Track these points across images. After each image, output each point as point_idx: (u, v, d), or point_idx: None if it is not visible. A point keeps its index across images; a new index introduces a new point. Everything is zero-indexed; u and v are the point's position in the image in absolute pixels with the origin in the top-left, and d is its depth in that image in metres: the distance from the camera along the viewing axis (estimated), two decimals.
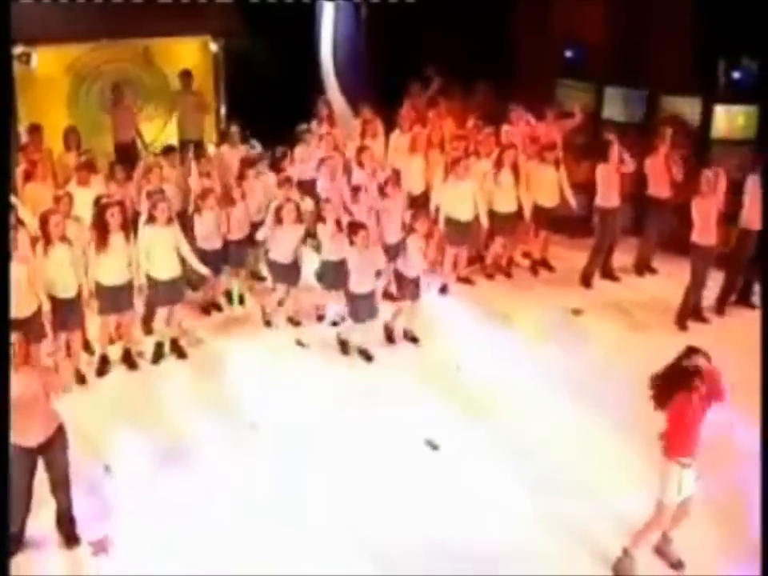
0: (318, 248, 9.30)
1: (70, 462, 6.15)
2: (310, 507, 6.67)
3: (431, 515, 6.60)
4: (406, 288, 8.88)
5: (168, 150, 10.38)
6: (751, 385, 7.04)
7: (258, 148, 11.02)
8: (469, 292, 10.27)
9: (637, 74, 11.42)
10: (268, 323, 9.22)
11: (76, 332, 8.22)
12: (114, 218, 8.05)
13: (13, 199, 8.49)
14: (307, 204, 9.58)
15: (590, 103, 11.89)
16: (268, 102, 11.59)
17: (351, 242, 8.47)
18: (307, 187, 10.36)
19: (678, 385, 5.67)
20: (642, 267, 10.79)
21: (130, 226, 8.32)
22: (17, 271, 7.18)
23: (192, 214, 9.34)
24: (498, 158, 10.18)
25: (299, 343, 9.06)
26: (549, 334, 9.23)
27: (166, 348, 8.77)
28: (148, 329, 8.96)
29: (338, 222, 8.89)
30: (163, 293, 8.55)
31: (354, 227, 8.51)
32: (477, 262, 10.66)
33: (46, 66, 11.78)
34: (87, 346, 8.59)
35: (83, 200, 8.65)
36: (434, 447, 7.41)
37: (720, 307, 9.77)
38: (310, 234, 9.43)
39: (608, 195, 10.20)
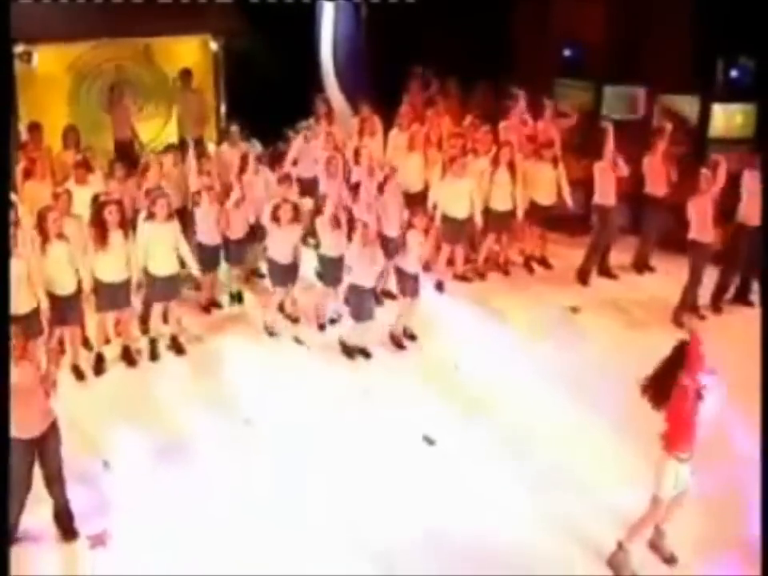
0: (317, 247, 9.32)
1: (62, 457, 6.18)
2: (307, 504, 6.69)
3: (429, 512, 6.62)
4: (406, 283, 8.88)
5: (169, 148, 10.43)
6: (748, 382, 7.09)
7: (257, 147, 11.05)
8: (466, 290, 10.30)
9: (635, 73, 11.47)
10: (271, 333, 9.14)
11: (74, 328, 8.26)
12: (111, 215, 8.09)
13: (12, 197, 8.53)
14: (306, 203, 9.61)
15: (589, 101, 11.96)
16: (268, 100, 11.61)
17: (350, 239, 8.49)
18: (307, 185, 10.40)
19: (672, 381, 5.69)
20: (641, 265, 10.81)
21: (128, 223, 8.35)
22: (15, 268, 7.21)
23: (192, 209, 9.39)
24: (495, 156, 10.21)
25: (297, 340, 9.09)
26: (546, 331, 9.24)
27: (162, 345, 8.80)
28: (145, 327, 8.98)
29: (337, 218, 8.90)
30: (160, 289, 8.59)
31: (354, 224, 8.53)
32: (475, 260, 10.68)
33: (46, 64, 11.83)
34: (87, 343, 8.62)
35: (81, 198, 8.68)
36: (431, 442, 7.45)
37: (716, 304, 9.79)
38: (310, 233, 9.47)
39: (606, 193, 10.23)
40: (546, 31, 12.32)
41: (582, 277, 10.47)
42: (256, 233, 9.58)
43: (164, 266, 8.50)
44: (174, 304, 8.79)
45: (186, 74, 12.28)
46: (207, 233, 9.30)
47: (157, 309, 8.75)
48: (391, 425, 7.66)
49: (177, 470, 7.03)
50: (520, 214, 10.37)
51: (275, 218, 8.82)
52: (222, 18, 12.47)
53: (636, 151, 10.42)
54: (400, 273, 8.92)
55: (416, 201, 10.07)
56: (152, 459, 7.18)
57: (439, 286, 10.15)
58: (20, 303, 7.30)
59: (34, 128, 10.48)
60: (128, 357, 8.63)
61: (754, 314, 9.57)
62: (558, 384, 8.16)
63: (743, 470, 6.85)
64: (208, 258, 9.38)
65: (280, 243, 8.94)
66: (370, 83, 13.10)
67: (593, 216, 10.49)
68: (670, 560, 6.15)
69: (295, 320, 9.39)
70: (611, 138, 10.06)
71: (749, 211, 9.43)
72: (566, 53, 12.11)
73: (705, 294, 9.71)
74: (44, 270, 7.78)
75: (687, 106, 11.27)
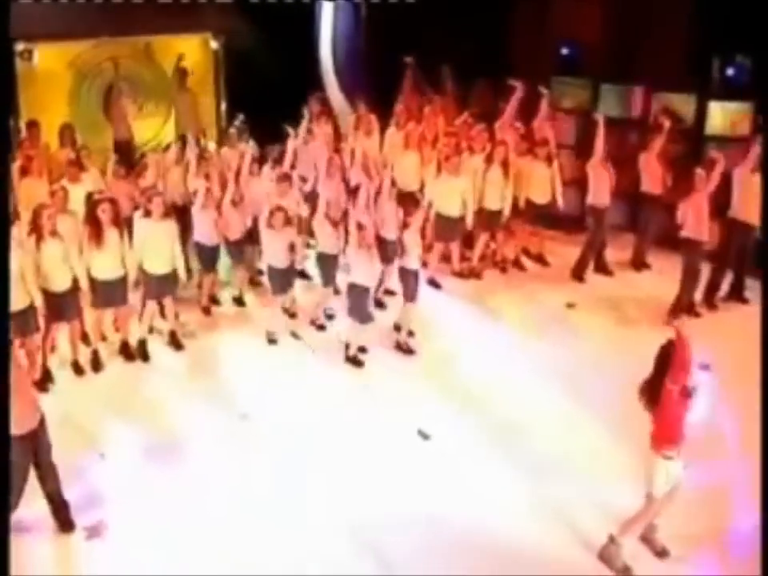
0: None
1: (52, 449, 6.20)
2: (304, 497, 6.73)
3: (425, 506, 6.64)
4: (408, 283, 8.89)
5: (169, 147, 10.48)
6: (744, 379, 7.14)
7: (254, 148, 11.09)
8: (463, 287, 10.35)
9: (632, 71, 11.53)
10: (271, 341, 9.10)
11: (72, 325, 8.31)
12: (105, 213, 8.12)
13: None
14: (302, 209, 9.66)
15: (586, 100, 12.01)
16: (268, 99, 11.64)
17: (347, 240, 8.52)
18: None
19: (660, 385, 5.72)
20: (638, 263, 10.85)
21: (122, 221, 8.38)
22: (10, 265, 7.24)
23: (190, 209, 9.42)
24: (489, 155, 10.26)
25: (294, 335, 9.15)
26: (542, 328, 9.29)
27: (160, 342, 8.87)
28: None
29: (332, 216, 8.93)
30: (155, 286, 8.64)
31: (356, 226, 8.53)
32: (470, 257, 10.72)
33: (47, 62, 11.89)
34: (86, 339, 8.67)
35: (76, 196, 8.72)
36: (426, 437, 7.50)
37: (710, 302, 9.82)
38: (309, 233, 9.51)
39: (599, 193, 10.28)
40: (544, 30, 12.36)
41: (578, 274, 10.52)
42: (254, 234, 9.56)
43: (159, 264, 8.54)
44: (170, 301, 8.82)
45: (180, 73, 12.33)
46: (205, 233, 9.33)
47: (150, 306, 8.80)
48: (388, 421, 7.69)
49: (174, 464, 7.07)
50: (507, 212, 10.41)
51: (269, 224, 8.79)
52: (222, 17, 12.54)
53: (633, 149, 10.47)
54: (402, 272, 8.93)
55: (412, 199, 10.12)
56: (150, 453, 7.21)
57: (432, 282, 10.17)
58: (14, 300, 7.28)
59: (32, 126, 10.53)
60: (126, 352, 8.68)
61: (749, 310, 9.62)
62: (552, 380, 8.20)
63: (736, 466, 6.89)
64: (206, 257, 9.43)
65: (276, 248, 8.91)
66: (369, 82, 13.13)
67: (587, 217, 10.54)
68: (661, 553, 6.17)
69: (293, 315, 9.43)
70: (602, 130, 10.10)
71: (740, 206, 9.50)
72: (564, 51, 12.17)
73: (698, 292, 9.73)
74: (39, 267, 7.80)
75: (684, 104, 11.32)
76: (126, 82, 12.17)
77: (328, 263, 9.14)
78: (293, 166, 10.23)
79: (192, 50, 12.93)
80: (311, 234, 9.60)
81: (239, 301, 9.88)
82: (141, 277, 8.61)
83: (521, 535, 6.36)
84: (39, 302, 7.73)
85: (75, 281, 8.10)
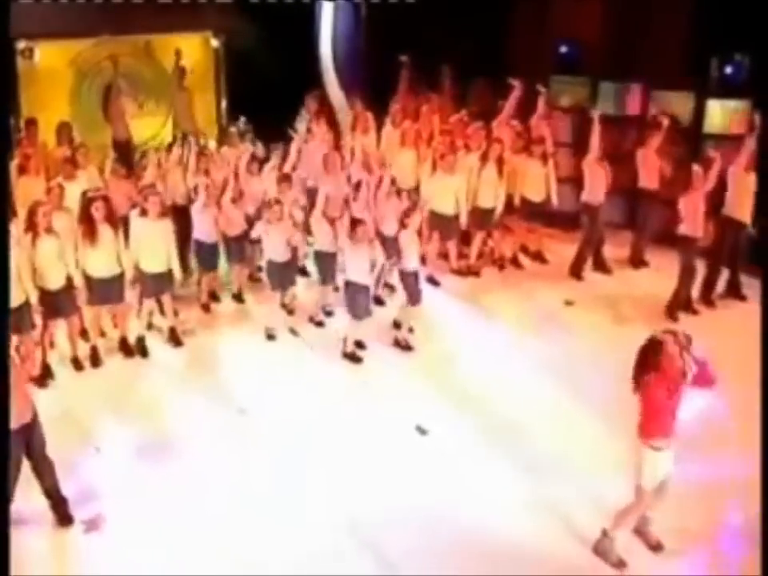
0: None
1: (46, 443, 6.23)
2: (303, 491, 6.75)
3: (424, 502, 6.66)
4: (408, 284, 8.90)
5: (170, 146, 10.53)
6: (742, 375, 7.16)
7: (259, 148, 11.12)
8: (461, 285, 10.37)
9: (631, 70, 11.56)
10: (270, 337, 9.14)
11: (70, 321, 8.35)
12: (98, 211, 8.15)
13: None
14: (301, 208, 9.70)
15: (585, 98, 12.04)
16: (269, 98, 11.70)
17: (349, 236, 8.55)
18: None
19: (646, 367, 5.73)
20: (636, 260, 10.87)
21: (116, 219, 8.40)
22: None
23: (190, 207, 9.47)
24: (484, 153, 10.27)
25: (293, 332, 9.19)
26: (539, 325, 9.32)
27: (160, 338, 8.92)
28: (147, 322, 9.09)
29: (330, 214, 8.95)
30: (151, 285, 8.67)
31: (353, 222, 8.55)
32: (467, 255, 10.75)
33: (48, 61, 11.96)
34: (85, 334, 8.71)
35: (71, 193, 8.72)
36: (423, 432, 7.53)
37: (707, 299, 9.84)
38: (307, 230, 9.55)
39: (595, 191, 10.30)
40: (544, 30, 12.39)
41: (576, 272, 10.55)
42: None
43: (155, 262, 8.55)
44: (168, 298, 8.86)
45: (179, 71, 12.41)
46: (204, 230, 9.36)
47: (147, 304, 8.84)
48: (386, 417, 7.72)
49: (173, 460, 7.10)
50: (500, 210, 10.44)
51: (268, 218, 8.83)
52: (223, 17, 12.59)
53: (631, 147, 10.49)
54: (402, 274, 8.94)
55: (409, 198, 10.14)
56: (149, 448, 7.24)
57: (431, 280, 10.19)
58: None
59: (30, 124, 10.56)
60: (125, 348, 8.73)
61: (747, 307, 9.65)
62: (550, 377, 8.22)
63: (732, 461, 6.90)
64: (206, 255, 9.47)
65: (275, 241, 8.94)
66: (370, 81, 13.16)
67: (581, 215, 10.56)
68: (656, 547, 6.18)
69: (291, 311, 9.47)
70: (597, 127, 10.13)
71: (733, 203, 9.53)
72: (563, 50, 12.20)
73: (695, 290, 9.76)
74: (34, 264, 7.83)
75: (682, 102, 11.35)
76: (127, 80, 12.22)
77: (325, 261, 9.17)
78: (294, 167, 10.27)
79: (193, 49, 12.99)
80: (310, 231, 9.63)
81: (238, 298, 9.92)
82: (137, 275, 8.63)
83: (518, 531, 6.37)
84: (34, 299, 7.77)
85: (70, 278, 8.12)
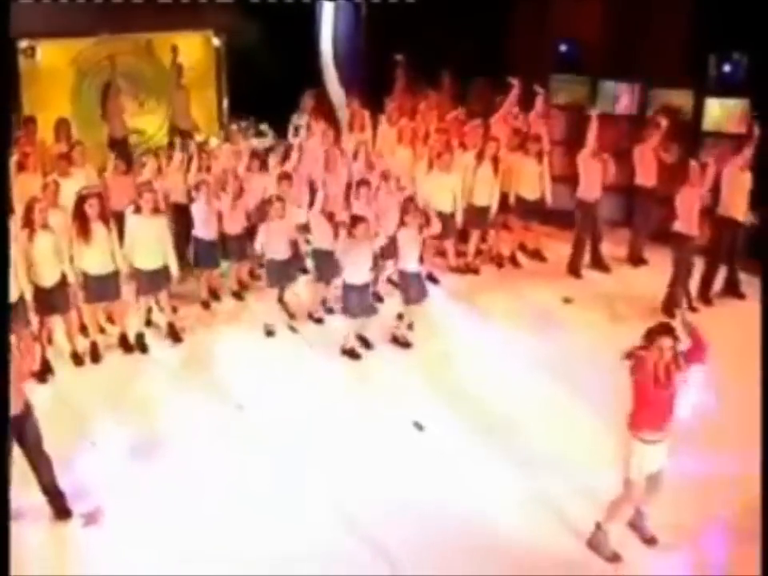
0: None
1: (41, 435, 6.26)
2: (301, 487, 6.78)
3: (421, 497, 6.69)
4: (409, 285, 8.88)
5: (171, 145, 10.57)
6: (741, 373, 7.17)
7: (270, 138, 11.09)
8: (459, 283, 10.40)
9: (630, 68, 11.58)
10: (269, 333, 9.17)
11: (67, 317, 8.37)
12: (92, 208, 8.16)
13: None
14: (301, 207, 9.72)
15: (584, 97, 12.08)
16: (270, 96, 11.75)
17: (349, 233, 8.56)
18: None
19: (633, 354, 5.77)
20: (635, 258, 10.89)
21: (110, 216, 8.42)
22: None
23: (190, 204, 9.51)
24: (480, 151, 10.29)
25: (291, 329, 9.22)
26: (538, 323, 9.33)
27: (160, 334, 8.96)
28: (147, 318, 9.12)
29: (329, 212, 8.96)
30: (146, 282, 8.68)
31: (354, 220, 8.53)
32: (464, 252, 10.77)
33: (50, 59, 12.02)
34: (84, 330, 8.74)
35: (68, 190, 8.75)
36: (420, 428, 7.56)
37: (705, 297, 9.84)
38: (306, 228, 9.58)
39: (590, 187, 10.31)
40: (543, 29, 12.44)
41: (574, 270, 10.58)
42: (254, 229, 9.62)
43: (150, 260, 8.56)
44: (164, 295, 8.88)
45: (177, 69, 12.46)
46: (204, 228, 9.40)
47: (143, 301, 8.87)
48: (385, 413, 7.75)
49: (172, 455, 7.14)
50: (494, 208, 10.46)
51: (268, 214, 8.85)
52: (224, 15, 12.64)
53: (630, 145, 10.51)
54: (402, 275, 8.94)
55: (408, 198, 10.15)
56: (148, 443, 7.28)
57: (430, 277, 10.15)
58: None
59: (29, 122, 10.59)
60: (125, 344, 8.76)
61: (745, 305, 9.67)
62: (547, 375, 8.23)
63: (728, 457, 6.92)
64: (205, 252, 9.50)
65: (274, 239, 8.94)
66: (369, 80, 13.19)
67: (575, 211, 10.55)
68: (650, 541, 6.21)
69: (290, 313, 9.47)
70: (595, 124, 10.15)
71: (728, 202, 9.56)
72: (562, 49, 12.26)
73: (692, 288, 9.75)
74: (30, 259, 7.86)
75: (681, 100, 11.38)
76: (128, 79, 12.31)
77: (323, 259, 9.16)
78: (295, 165, 10.28)
79: (194, 48, 13.05)
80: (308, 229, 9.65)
81: (238, 295, 9.95)
82: (132, 272, 8.64)
83: (515, 526, 6.41)
84: (29, 295, 7.80)
85: (64, 275, 8.13)
